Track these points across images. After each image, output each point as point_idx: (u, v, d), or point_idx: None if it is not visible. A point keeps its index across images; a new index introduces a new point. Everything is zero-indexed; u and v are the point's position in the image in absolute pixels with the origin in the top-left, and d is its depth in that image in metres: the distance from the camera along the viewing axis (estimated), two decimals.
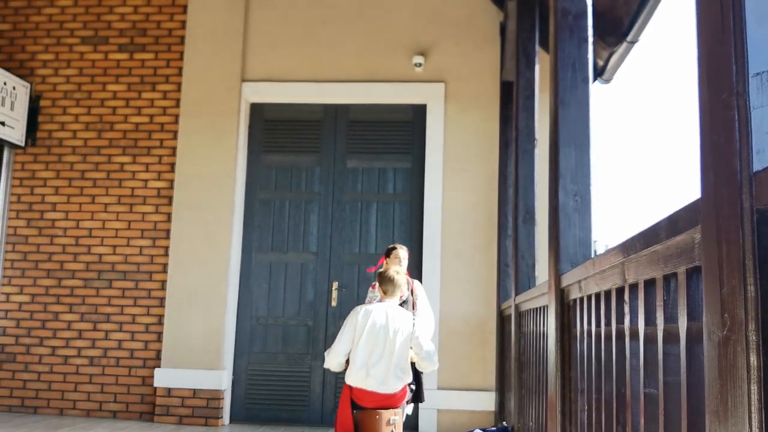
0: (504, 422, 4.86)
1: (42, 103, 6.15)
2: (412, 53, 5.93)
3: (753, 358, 0.87)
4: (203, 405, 5.55)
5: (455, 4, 5.98)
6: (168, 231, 5.87)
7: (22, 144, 6.02)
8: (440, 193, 5.76)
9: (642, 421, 1.47)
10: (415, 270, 5.51)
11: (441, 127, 5.85)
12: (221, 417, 5.58)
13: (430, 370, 3.71)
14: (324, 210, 5.97)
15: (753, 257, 0.89)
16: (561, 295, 2.44)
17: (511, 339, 4.31)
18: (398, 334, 3.43)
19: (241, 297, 5.91)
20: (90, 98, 6.13)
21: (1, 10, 6.32)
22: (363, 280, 5.81)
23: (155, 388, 5.63)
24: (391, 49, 5.97)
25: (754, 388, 0.87)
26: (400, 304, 3.77)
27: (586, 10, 2.63)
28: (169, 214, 5.89)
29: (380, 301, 3.64)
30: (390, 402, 3.43)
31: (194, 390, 5.57)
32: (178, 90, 6.04)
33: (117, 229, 5.94)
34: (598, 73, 5.46)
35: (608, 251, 1.72)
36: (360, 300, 5.51)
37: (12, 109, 5.87)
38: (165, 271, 5.82)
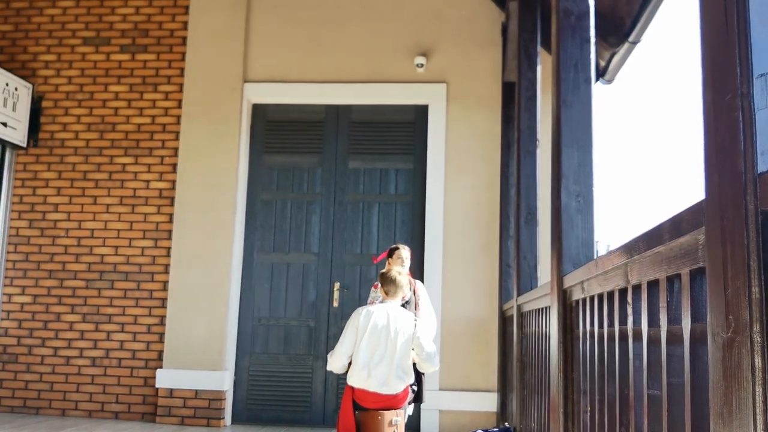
0: (506, 423, 4.85)
1: (44, 104, 6.16)
2: (413, 54, 5.93)
3: (758, 360, 0.87)
4: (205, 406, 5.56)
5: (457, 5, 5.98)
6: (170, 232, 5.88)
7: (24, 145, 6.02)
8: (442, 194, 5.76)
9: (645, 422, 1.46)
10: (417, 271, 5.50)
11: (443, 127, 5.85)
12: (223, 418, 5.58)
13: (431, 371, 3.71)
14: (326, 211, 5.97)
15: (758, 259, 0.89)
16: (563, 295, 2.43)
17: (513, 340, 4.30)
18: (400, 335, 3.43)
19: (242, 297, 5.91)
20: (92, 99, 6.14)
21: (3, 11, 6.33)
22: (364, 281, 5.81)
23: (157, 388, 5.63)
24: (392, 49, 5.97)
25: (759, 390, 0.87)
26: (403, 305, 3.77)
27: (588, 10, 2.63)
28: (170, 215, 5.90)
29: (382, 301, 3.64)
30: (392, 403, 3.43)
31: (196, 391, 5.57)
32: (180, 91, 6.04)
33: (119, 230, 5.94)
34: (600, 73, 5.46)
35: (611, 252, 1.72)
36: (362, 300, 5.52)
37: (14, 110, 5.87)
38: (167, 272, 5.82)
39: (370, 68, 5.96)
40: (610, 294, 1.80)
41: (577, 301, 2.28)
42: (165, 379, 5.61)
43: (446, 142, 5.82)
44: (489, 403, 5.47)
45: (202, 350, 5.63)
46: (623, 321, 1.67)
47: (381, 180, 5.97)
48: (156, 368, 5.68)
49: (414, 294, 4.24)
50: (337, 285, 5.85)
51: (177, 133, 5.99)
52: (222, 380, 5.58)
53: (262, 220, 6.01)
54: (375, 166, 5.99)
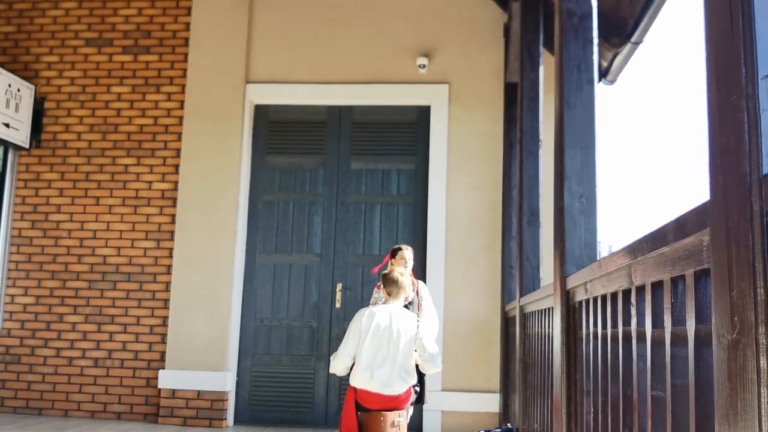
0: (508, 424, 4.85)
1: (46, 105, 6.17)
2: (416, 55, 5.93)
3: (763, 362, 0.87)
4: (207, 406, 5.56)
5: (459, 6, 5.98)
6: (172, 233, 5.88)
7: (27, 146, 6.03)
8: (444, 195, 5.76)
9: (649, 423, 1.46)
10: (420, 271, 5.50)
11: (445, 128, 5.84)
12: (225, 418, 5.58)
13: (433, 372, 3.71)
14: (328, 211, 5.97)
15: (763, 260, 0.88)
16: (566, 296, 2.43)
17: (516, 340, 4.30)
18: (402, 336, 3.43)
19: (245, 298, 5.91)
20: (94, 100, 6.14)
21: (6, 12, 6.34)
22: (367, 282, 5.81)
23: (159, 389, 5.64)
24: (395, 50, 5.97)
25: (764, 391, 0.87)
26: (406, 306, 3.77)
27: (591, 11, 2.63)
28: (173, 216, 5.90)
29: (385, 302, 3.64)
30: (394, 403, 3.43)
31: (198, 391, 5.58)
32: (183, 92, 6.05)
33: (121, 231, 5.94)
34: (602, 74, 5.45)
35: (615, 253, 1.72)
36: (364, 301, 5.52)
37: (17, 111, 5.88)
38: (169, 273, 5.83)
39: (372, 69, 5.97)
40: (614, 295, 1.80)
41: (581, 302, 2.27)
42: (167, 379, 5.61)
43: (448, 143, 5.82)
44: (491, 403, 5.46)
45: (204, 351, 5.63)
46: (627, 322, 1.67)
47: (383, 181, 5.97)
48: (158, 369, 5.69)
49: (417, 295, 4.24)
50: (339, 286, 5.85)
51: (179, 134, 6.00)
52: (224, 381, 5.58)
53: (264, 220, 6.01)
54: (377, 166, 5.99)
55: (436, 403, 5.42)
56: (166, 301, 5.80)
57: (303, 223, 5.97)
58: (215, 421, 5.53)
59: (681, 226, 1.21)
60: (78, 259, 5.95)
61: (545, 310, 3.10)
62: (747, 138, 0.92)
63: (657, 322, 1.41)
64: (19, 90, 5.92)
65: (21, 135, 5.94)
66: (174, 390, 5.59)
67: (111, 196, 6.00)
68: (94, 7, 6.25)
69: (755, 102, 0.91)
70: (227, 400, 5.61)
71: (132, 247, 5.91)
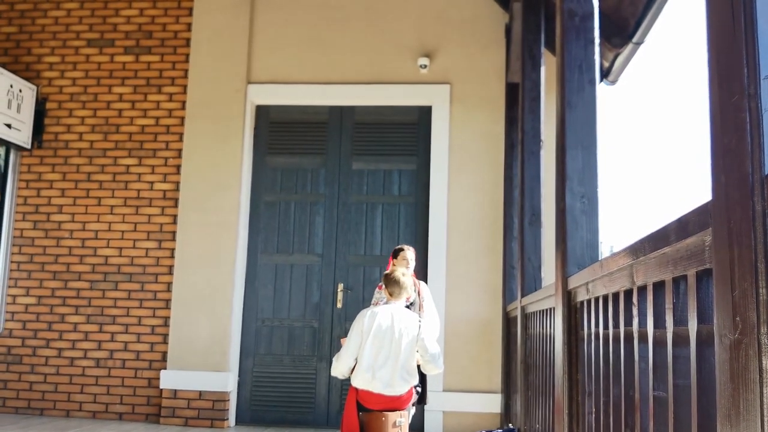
0: (510, 424, 4.85)
1: (48, 105, 6.17)
2: (417, 55, 5.93)
3: (765, 362, 0.87)
4: (209, 407, 5.56)
5: (460, 6, 5.98)
6: (174, 233, 5.88)
7: (29, 146, 6.03)
8: (446, 195, 5.76)
9: (651, 424, 1.46)
10: (421, 272, 5.50)
11: (446, 128, 5.84)
12: (227, 419, 5.58)
13: (434, 373, 3.71)
14: (329, 212, 5.97)
15: (765, 260, 0.88)
16: (568, 297, 2.43)
17: (517, 341, 4.30)
18: (404, 336, 3.43)
19: (246, 299, 5.91)
20: (96, 101, 6.15)
21: (8, 13, 6.35)
22: (368, 282, 5.81)
23: (161, 389, 5.64)
24: (396, 50, 5.97)
25: (766, 391, 0.87)
26: (407, 306, 3.77)
27: (592, 11, 2.63)
28: (174, 216, 5.90)
29: (386, 303, 3.64)
30: (396, 404, 3.43)
31: (200, 392, 5.58)
32: (184, 92, 6.05)
33: (123, 231, 5.95)
34: (604, 74, 5.45)
35: (617, 253, 1.71)
36: (365, 301, 5.52)
37: (18, 111, 5.89)
38: (171, 273, 5.83)
39: (374, 69, 5.97)
40: (616, 295, 1.79)
41: (582, 303, 2.27)
42: (169, 380, 5.62)
43: (450, 143, 5.82)
44: (493, 404, 5.46)
45: (206, 351, 5.63)
46: (628, 322, 1.67)
47: (384, 181, 5.97)
48: (160, 369, 5.69)
49: (418, 295, 4.24)
50: (340, 286, 5.85)
51: (181, 134, 6.00)
52: (226, 381, 5.58)
53: (265, 221, 6.01)
54: (378, 167, 5.99)
55: (437, 403, 5.42)
56: (168, 301, 5.80)
57: (304, 223, 5.97)
58: (217, 421, 5.53)
59: (683, 226, 1.21)
60: (80, 260, 5.95)
61: (547, 310, 3.10)
62: (749, 138, 0.92)
63: (659, 323, 1.41)
64: (20, 90, 5.93)
65: (23, 135, 5.95)
66: (175, 390, 5.60)
67: (112, 197, 6.00)
68: (96, 7, 6.26)
69: (757, 102, 0.91)
70: (229, 400, 5.61)
71: (133, 247, 5.92)
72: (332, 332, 5.80)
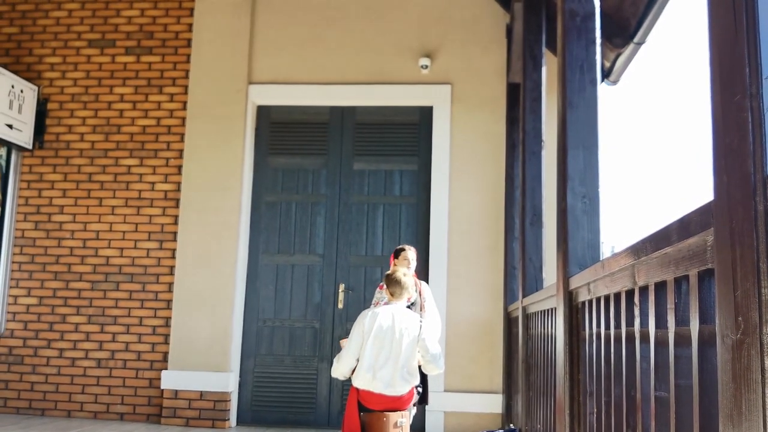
0: (511, 424, 4.84)
1: (49, 106, 6.18)
2: (418, 55, 5.93)
3: (767, 362, 0.87)
4: (210, 407, 5.56)
5: (461, 6, 5.98)
6: (175, 233, 5.88)
7: (30, 147, 6.04)
8: (447, 195, 5.75)
9: (653, 424, 1.46)
10: (422, 272, 5.50)
11: (447, 129, 5.84)
12: (228, 419, 5.58)
13: (435, 373, 3.71)
14: (330, 212, 5.97)
15: (767, 260, 0.88)
16: (569, 297, 2.43)
17: (519, 341, 4.30)
18: (405, 336, 3.42)
19: (247, 299, 5.92)
20: (97, 101, 6.15)
21: (9, 13, 6.35)
22: (369, 282, 5.81)
23: (162, 390, 5.64)
24: (397, 51, 5.98)
25: None
26: (408, 307, 3.76)
27: (593, 11, 2.62)
28: (176, 217, 5.91)
29: (387, 303, 3.63)
30: (397, 404, 3.43)
31: (201, 392, 5.58)
32: (185, 93, 6.05)
33: (124, 232, 5.95)
34: (605, 74, 5.44)
35: (618, 253, 1.71)
36: (366, 302, 5.52)
37: (20, 112, 5.89)
38: (172, 274, 5.84)
39: (375, 70, 5.97)
40: (617, 295, 1.79)
41: (584, 303, 2.27)
42: (170, 380, 5.62)
43: (451, 144, 5.82)
44: (494, 404, 5.46)
45: (207, 352, 5.63)
46: (630, 322, 1.66)
47: (385, 181, 5.97)
48: (161, 370, 5.69)
49: (419, 295, 4.24)
50: (342, 286, 5.85)
51: (182, 134, 6.01)
52: (227, 381, 5.58)
53: (266, 221, 6.01)
54: (379, 167, 5.99)
55: (438, 403, 5.41)
56: (169, 301, 5.80)
57: (305, 223, 5.97)
58: (218, 421, 5.53)
59: (685, 226, 1.21)
60: (81, 260, 5.96)
61: (548, 310, 3.10)
62: (751, 138, 0.92)
63: (660, 323, 1.41)
64: (22, 91, 5.93)
65: (24, 136, 5.96)
66: (177, 391, 5.60)
67: (114, 197, 6.00)
68: (97, 8, 6.27)
69: (759, 102, 0.91)
70: (230, 400, 5.61)
71: (135, 248, 5.92)
72: (333, 333, 5.80)
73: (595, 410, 2.07)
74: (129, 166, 6.03)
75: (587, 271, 2.15)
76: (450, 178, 5.78)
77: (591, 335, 2.15)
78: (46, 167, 6.11)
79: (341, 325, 5.77)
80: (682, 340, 1.29)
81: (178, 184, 5.94)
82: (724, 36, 1.01)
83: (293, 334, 5.86)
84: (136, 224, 5.95)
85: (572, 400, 2.36)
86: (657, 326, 1.43)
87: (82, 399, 5.78)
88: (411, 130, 6.01)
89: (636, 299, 1.59)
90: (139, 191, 5.99)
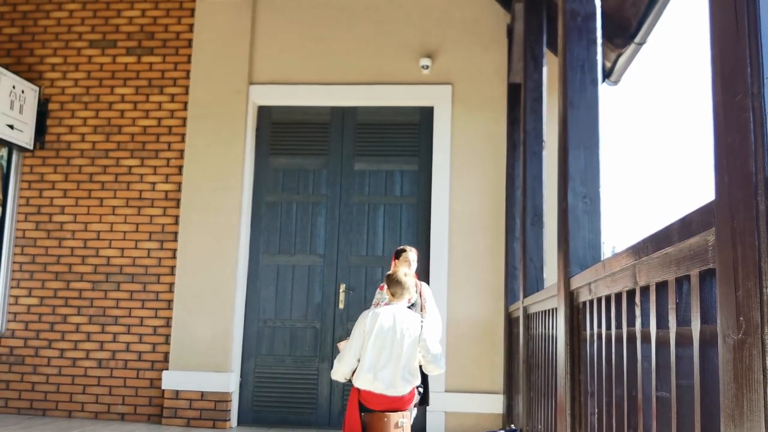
0: (512, 425, 4.84)
1: (50, 106, 6.18)
2: (419, 55, 5.93)
3: None
4: (211, 407, 5.56)
5: (462, 6, 5.98)
6: (176, 233, 5.89)
7: (31, 147, 6.04)
8: (448, 196, 5.75)
9: (654, 424, 1.46)
10: (423, 272, 5.50)
11: (448, 129, 5.84)
12: (229, 419, 5.58)
13: (436, 374, 3.71)
14: (331, 212, 5.97)
15: None
16: (570, 297, 2.43)
17: (520, 341, 4.30)
18: (406, 337, 3.42)
19: (248, 299, 5.92)
20: (98, 101, 6.16)
21: (10, 14, 6.36)
22: (370, 282, 5.81)
23: (163, 390, 5.64)
24: (398, 51, 5.98)
25: None
26: (408, 308, 3.76)
27: (594, 11, 2.62)
28: (176, 217, 5.91)
29: (388, 303, 3.63)
30: (398, 404, 3.43)
31: (202, 392, 5.58)
32: (186, 93, 6.06)
33: (125, 232, 5.95)
34: (606, 74, 5.44)
35: (619, 254, 1.71)
36: (367, 302, 5.51)
37: (21, 112, 5.89)
38: (173, 274, 5.84)
39: (376, 70, 5.97)
40: (618, 295, 1.79)
41: (585, 303, 2.27)
42: (171, 380, 5.62)
43: (451, 144, 5.82)
44: (495, 404, 5.46)
45: (207, 352, 5.64)
46: (631, 323, 1.66)
47: (386, 181, 5.97)
48: (162, 370, 5.69)
49: (420, 296, 4.24)
50: (342, 286, 5.85)
51: (183, 135, 6.01)
52: (228, 382, 5.58)
53: (267, 221, 6.01)
54: (380, 167, 5.99)
55: (439, 404, 5.41)
56: (170, 302, 5.80)
57: (306, 224, 5.97)
58: (219, 422, 5.53)
59: (686, 226, 1.20)
60: (82, 261, 5.96)
61: (549, 310, 3.10)
62: (753, 137, 0.92)
63: (662, 323, 1.41)
64: (23, 91, 5.94)
65: (25, 136, 5.96)
66: (177, 391, 5.60)
67: (115, 198, 6.01)
68: (98, 8, 6.27)
69: (761, 101, 0.91)
70: (231, 401, 5.61)
71: (136, 248, 5.92)
72: (334, 333, 5.80)
73: (597, 410, 2.07)
74: (130, 167, 6.03)
75: (588, 271, 2.15)
76: (451, 178, 5.78)
77: (592, 335, 2.15)
78: (47, 167, 6.11)
79: (342, 326, 5.77)
80: (684, 340, 1.29)
81: (179, 184, 5.94)
82: (726, 36, 1.00)
83: (294, 334, 5.86)
84: (137, 224, 5.95)
85: (573, 401, 2.36)
86: (658, 326, 1.43)
87: (83, 399, 5.78)
88: (412, 131, 6.01)
89: (637, 299, 1.59)
90: (140, 191, 5.99)
